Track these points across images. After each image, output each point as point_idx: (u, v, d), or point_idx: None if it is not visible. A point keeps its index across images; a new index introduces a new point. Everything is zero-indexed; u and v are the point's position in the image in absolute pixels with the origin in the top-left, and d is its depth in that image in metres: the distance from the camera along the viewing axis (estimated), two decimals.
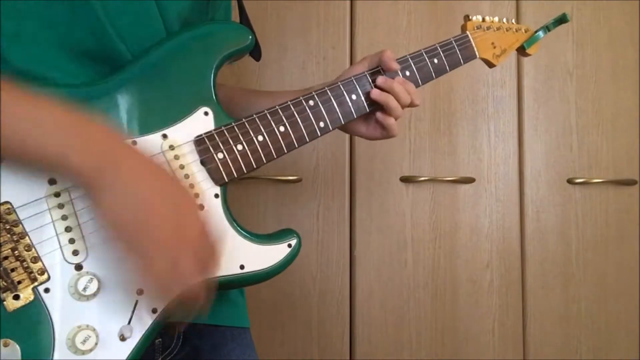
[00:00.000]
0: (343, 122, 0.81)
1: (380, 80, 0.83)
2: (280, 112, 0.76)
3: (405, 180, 1.50)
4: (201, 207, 0.69)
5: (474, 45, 0.93)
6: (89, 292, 0.61)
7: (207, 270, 0.63)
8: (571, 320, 1.59)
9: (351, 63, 1.48)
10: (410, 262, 1.50)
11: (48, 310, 0.60)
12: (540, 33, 0.99)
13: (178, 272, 0.59)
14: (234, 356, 0.80)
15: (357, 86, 0.83)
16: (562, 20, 0.99)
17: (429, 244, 1.51)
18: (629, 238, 1.64)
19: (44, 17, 0.65)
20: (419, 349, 1.48)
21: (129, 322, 0.63)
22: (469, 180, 1.53)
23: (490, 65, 0.97)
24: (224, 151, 0.71)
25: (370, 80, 0.84)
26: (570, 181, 1.61)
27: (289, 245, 0.74)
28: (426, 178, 1.50)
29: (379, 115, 0.84)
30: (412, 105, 0.84)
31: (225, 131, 0.72)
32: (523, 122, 1.59)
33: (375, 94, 0.82)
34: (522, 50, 1.00)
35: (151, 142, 0.67)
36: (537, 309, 1.57)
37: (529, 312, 1.56)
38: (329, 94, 0.80)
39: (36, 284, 0.60)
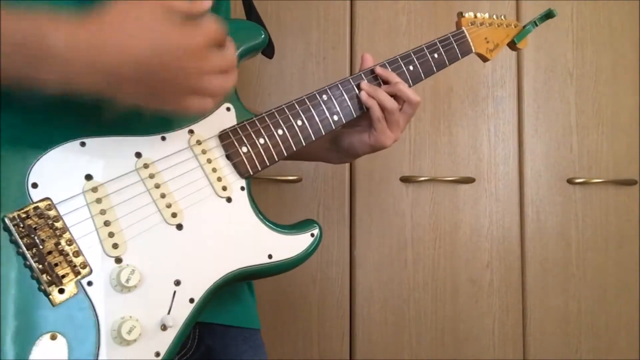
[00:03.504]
0: (355, 115, 0.84)
1: (364, 84, 0.85)
2: (297, 107, 0.79)
3: (405, 180, 1.50)
4: (229, 199, 0.72)
5: (469, 40, 0.97)
6: (131, 283, 0.63)
7: (231, 64, 0.65)
8: (571, 320, 1.59)
9: (351, 63, 1.49)
10: (410, 262, 1.50)
11: (92, 303, 0.61)
12: (530, 27, 1.04)
13: (211, 84, 0.61)
14: (247, 357, 0.81)
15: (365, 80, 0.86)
16: (548, 15, 1.04)
17: (429, 244, 1.51)
18: (629, 238, 1.65)
19: None
20: (419, 349, 1.48)
21: (169, 312, 0.65)
22: (469, 180, 1.53)
23: (485, 59, 1.02)
24: (248, 145, 0.74)
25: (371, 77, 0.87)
26: (570, 181, 1.61)
27: (312, 235, 0.77)
28: (426, 178, 1.50)
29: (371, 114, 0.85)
30: (410, 102, 0.85)
31: (247, 125, 0.75)
32: (523, 122, 1.59)
33: (364, 97, 0.84)
34: (512, 45, 1.05)
35: (179, 137, 0.71)
36: (537, 309, 1.57)
37: (529, 312, 1.56)
38: (341, 88, 0.83)
39: (79, 277, 0.61)
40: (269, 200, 1.43)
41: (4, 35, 0.53)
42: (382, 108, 0.83)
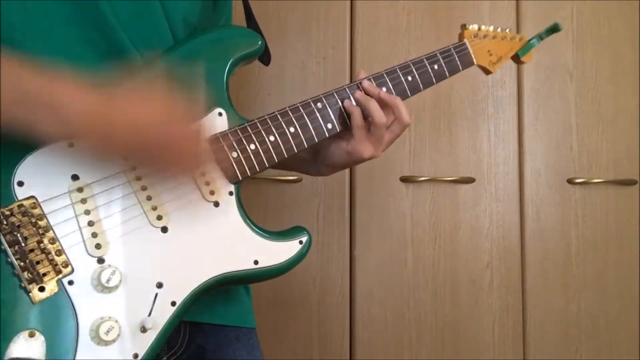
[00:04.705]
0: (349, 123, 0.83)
1: (358, 94, 0.83)
2: (290, 114, 0.78)
3: (405, 180, 1.50)
4: (216, 204, 0.72)
5: (471, 52, 0.95)
6: (111, 284, 0.63)
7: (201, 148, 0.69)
8: (571, 320, 1.59)
9: (351, 63, 1.49)
10: (410, 262, 1.50)
11: (72, 302, 0.62)
12: (534, 41, 1.02)
13: (188, 157, 0.67)
14: (239, 356, 0.80)
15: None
16: (554, 29, 1.02)
17: (429, 244, 1.51)
18: (629, 238, 1.64)
19: (58, 16, 0.67)
20: (419, 349, 1.48)
21: (150, 315, 0.65)
22: (469, 180, 1.53)
23: (487, 72, 1.01)
24: (238, 150, 0.74)
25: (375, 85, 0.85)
26: (570, 181, 1.61)
27: (300, 242, 0.76)
28: (426, 178, 1.50)
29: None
30: (400, 121, 0.83)
31: (238, 131, 0.74)
32: (523, 122, 1.59)
33: (347, 104, 0.82)
34: (516, 59, 1.03)
35: None
36: (537, 309, 1.57)
37: (529, 312, 1.56)
38: (336, 96, 0.82)
39: (60, 276, 0.62)
40: (269, 200, 1.43)
41: (13, 87, 0.58)
42: (370, 118, 0.81)
